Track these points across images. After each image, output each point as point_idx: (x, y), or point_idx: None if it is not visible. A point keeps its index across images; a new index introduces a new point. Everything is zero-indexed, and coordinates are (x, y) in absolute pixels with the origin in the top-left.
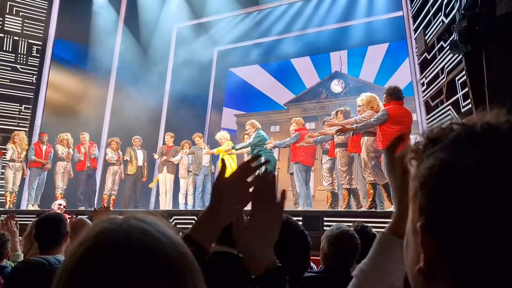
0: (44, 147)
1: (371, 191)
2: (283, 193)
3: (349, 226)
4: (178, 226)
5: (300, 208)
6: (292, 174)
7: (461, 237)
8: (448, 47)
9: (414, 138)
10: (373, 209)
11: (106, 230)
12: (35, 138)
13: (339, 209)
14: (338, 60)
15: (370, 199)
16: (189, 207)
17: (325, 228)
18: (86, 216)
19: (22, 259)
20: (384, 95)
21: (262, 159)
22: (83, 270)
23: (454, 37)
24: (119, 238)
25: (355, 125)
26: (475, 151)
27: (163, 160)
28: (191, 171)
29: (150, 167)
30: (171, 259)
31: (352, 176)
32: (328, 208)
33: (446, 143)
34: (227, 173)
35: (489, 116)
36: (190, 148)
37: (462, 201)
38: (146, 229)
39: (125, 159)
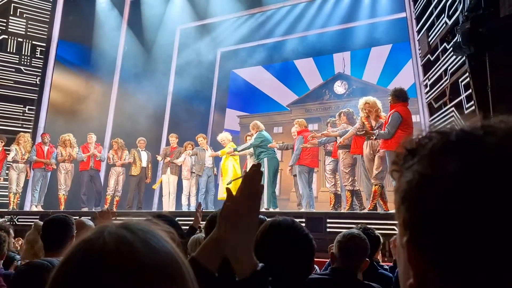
0: (46, 148)
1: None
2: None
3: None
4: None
5: (303, 210)
6: (295, 175)
7: (445, 250)
8: (452, 49)
9: None
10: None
11: (87, 239)
12: (39, 139)
13: (342, 211)
14: (341, 61)
15: (373, 201)
16: (192, 208)
17: (328, 230)
18: (90, 218)
19: None
20: (390, 97)
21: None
22: (59, 280)
23: (457, 39)
24: (95, 248)
25: (376, 131)
26: (451, 161)
27: (167, 161)
28: (194, 172)
29: (154, 168)
30: (147, 268)
31: (355, 178)
32: (331, 209)
33: (423, 154)
34: (233, 188)
35: (466, 123)
36: (193, 149)
37: (444, 213)
38: (125, 238)
39: (128, 160)
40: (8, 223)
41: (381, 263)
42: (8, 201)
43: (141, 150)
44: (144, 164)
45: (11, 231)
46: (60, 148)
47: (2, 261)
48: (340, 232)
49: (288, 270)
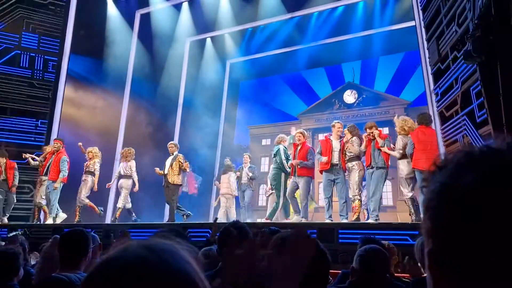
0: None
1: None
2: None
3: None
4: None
5: (304, 220)
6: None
7: (460, 258)
8: (462, 57)
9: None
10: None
11: (109, 259)
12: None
13: (353, 222)
14: (351, 70)
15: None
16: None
17: (340, 240)
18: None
19: None
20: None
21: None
22: None
23: (468, 47)
24: (115, 268)
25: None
26: (471, 172)
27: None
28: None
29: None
30: None
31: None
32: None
33: (449, 168)
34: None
35: (494, 141)
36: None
37: (461, 221)
38: (146, 259)
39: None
40: (22, 236)
41: (396, 275)
42: (32, 215)
43: (170, 156)
44: (166, 171)
45: (26, 245)
46: (97, 161)
47: (19, 279)
48: (351, 242)
49: (301, 285)
